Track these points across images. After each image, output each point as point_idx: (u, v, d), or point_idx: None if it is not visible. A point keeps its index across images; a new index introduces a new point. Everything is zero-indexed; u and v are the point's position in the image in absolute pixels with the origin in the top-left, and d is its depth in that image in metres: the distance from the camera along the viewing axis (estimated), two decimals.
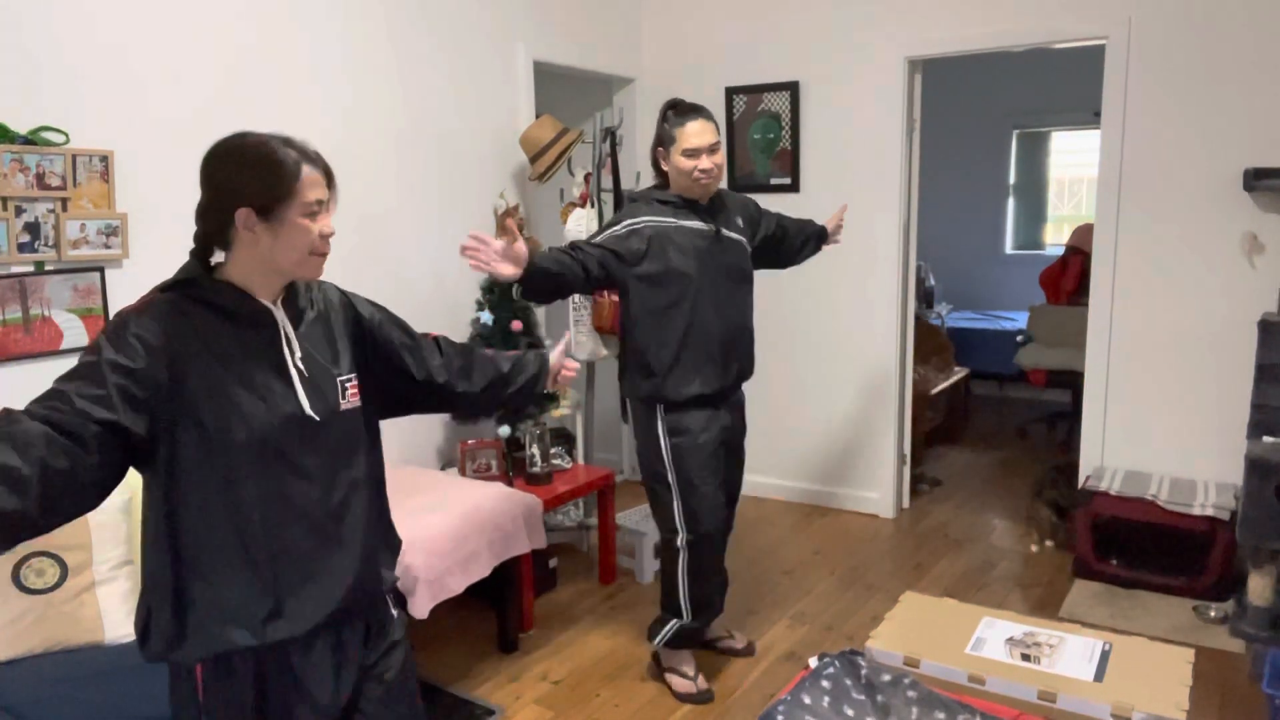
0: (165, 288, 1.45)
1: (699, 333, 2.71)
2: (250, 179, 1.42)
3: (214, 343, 1.43)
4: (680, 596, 2.81)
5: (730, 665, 3.08)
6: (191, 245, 1.48)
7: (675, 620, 2.83)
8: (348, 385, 1.58)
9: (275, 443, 1.45)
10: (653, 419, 2.76)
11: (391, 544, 1.71)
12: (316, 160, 1.48)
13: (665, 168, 2.76)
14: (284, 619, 1.47)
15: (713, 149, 2.70)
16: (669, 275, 2.68)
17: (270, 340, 1.49)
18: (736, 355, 2.82)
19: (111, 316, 1.44)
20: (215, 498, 1.42)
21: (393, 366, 1.70)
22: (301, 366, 1.50)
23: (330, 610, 1.52)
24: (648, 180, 4.52)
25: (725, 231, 2.80)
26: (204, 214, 1.46)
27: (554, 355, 1.99)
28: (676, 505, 2.77)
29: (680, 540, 2.79)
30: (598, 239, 2.70)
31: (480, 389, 1.83)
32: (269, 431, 1.44)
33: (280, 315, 1.51)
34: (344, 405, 1.56)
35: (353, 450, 1.58)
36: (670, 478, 2.76)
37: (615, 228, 2.71)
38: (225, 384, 1.42)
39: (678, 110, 2.75)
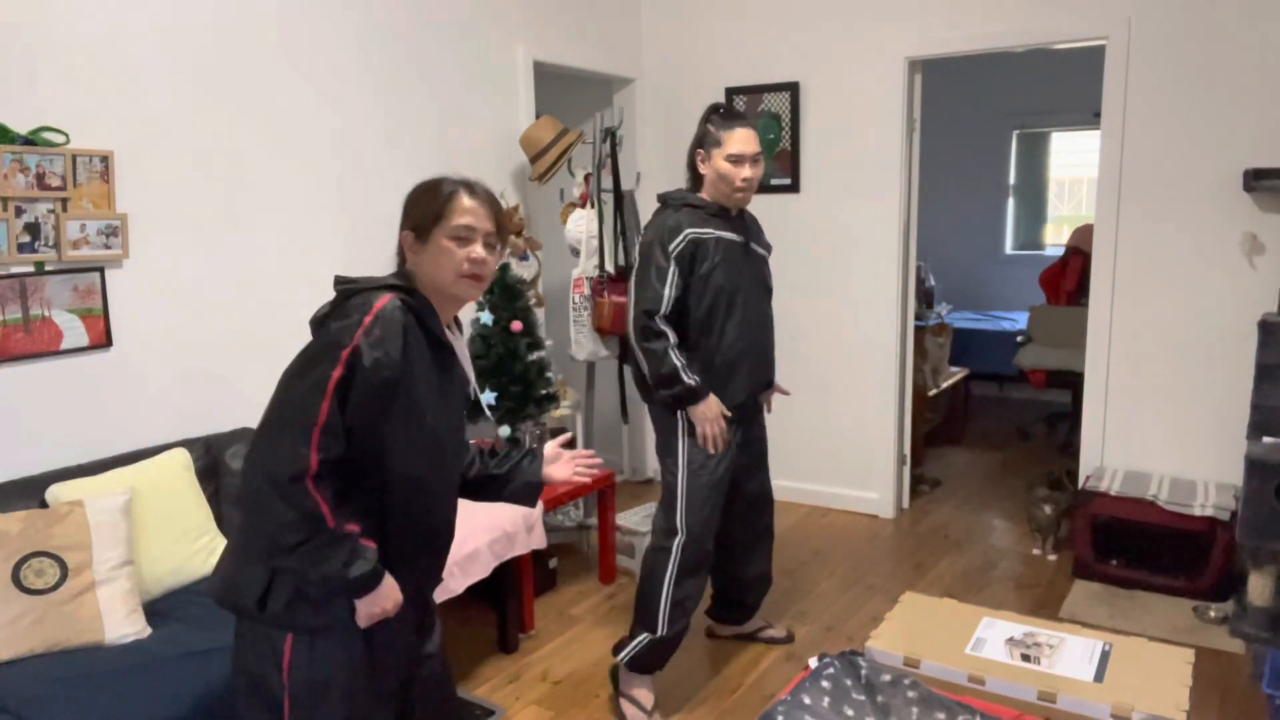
0: (388, 287, 1.57)
1: (730, 344, 2.71)
2: (413, 206, 1.64)
3: (422, 352, 1.59)
4: (661, 605, 2.73)
5: (730, 665, 3.08)
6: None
7: (646, 634, 2.74)
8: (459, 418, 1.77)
9: (438, 460, 1.65)
10: (673, 423, 2.74)
11: None
12: (480, 194, 1.64)
13: (703, 170, 2.72)
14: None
15: (755, 159, 2.68)
16: (707, 287, 2.67)
17: (446, 364, 1.66)
18: (761, 367, 2.83)
19: (361, 311, 1.54)
20: (381, 498, 1.58)
21: None
22: (475, 393, 1.73)
23: (413, 593, 1.69)
24: (648, 180, 4.55)
25: (753, 245, 2.82)
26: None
27: (549, 445, 2.01)
28: (680, 507, 2.75)
29: (676, 542, 2.74)
30: (667, 288, 2.62)
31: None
32: (438, 448, 1.64)
33: (456, 342, 1.70)
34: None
35: (458, 476, 1.80)
36: (681, 479, 2.74)
37: (670, 259, 2.62)
38: (422, 395, 1.58)
39: (725, 115, 2.72)
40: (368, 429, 1.53)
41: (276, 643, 1.57)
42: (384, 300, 1.54)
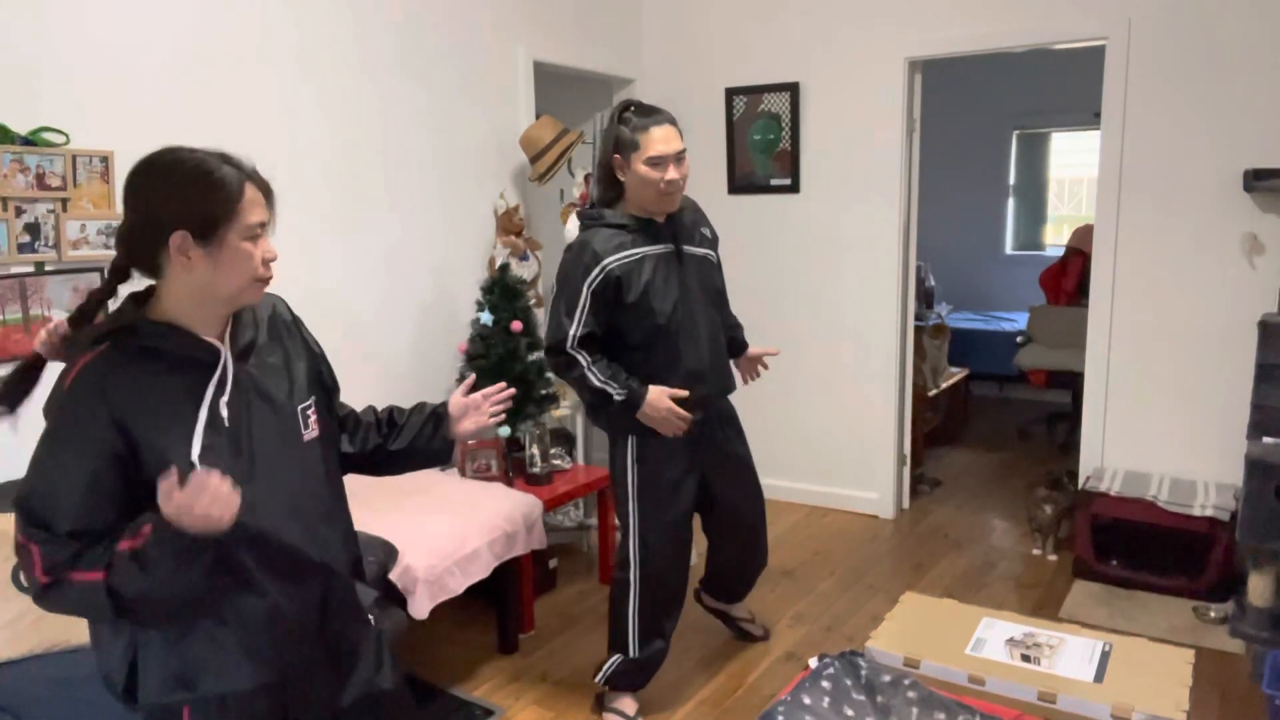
0: (98, 339, 1.32)
1: (669, 365, 2.56)
2: (186, 199, 1.30)
3: (161, 399, 1.32)
4: (629, 629, 2.67)
5: (730, 665, 3.08)
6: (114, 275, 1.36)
7: (619, 655, 2.70)
8: (309, 413, 1.49)
9: (259, 486, 1.38)
10: (622, 448, 2.64)
11: (364, 565, 1.67)
12: (257, 179, 1.37)
13: (622, 177, 2.50)
14: (265, 663, 1.41)
15: (679, 158, 2.46)
16: (639, 313, 2.50)
17: (225, 379, 1.39)
18: (709, 377, 2.65)
19: (50, 396, 1.33)
20: (217, 546, 1.33)
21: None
22: (225, 414, 1.37)
23: (308, 648, 1.47)
24: None
25: (687, 249, 2.61)
26: (129, 238, 1.33)
27: (454, 399, 1.73)
28: (633, 539, 2.65)
29: (632, 575, 2.65)
30: (575, 324, 2.47)
31: (371, 448, 1.69)
32: (247, 474, 1.36)
33: (226, 355, 1.38)
34: (305, 436, 1.48)
35: (318, 482, 1.51)
36: (631, 507, 2.64)
37: (583, 291, 2.47)
38: (177, 443, 1.31)
39: (639, 111, 2.49)
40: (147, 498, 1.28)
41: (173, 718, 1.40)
42: (76, 369, 1.30)
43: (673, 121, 2.50)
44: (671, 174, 2.46)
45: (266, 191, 1.38)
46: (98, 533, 1.29)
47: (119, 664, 1.39)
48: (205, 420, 1.35)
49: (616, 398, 2.48)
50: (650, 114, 2.49)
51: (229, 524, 1.27)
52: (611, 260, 2.48)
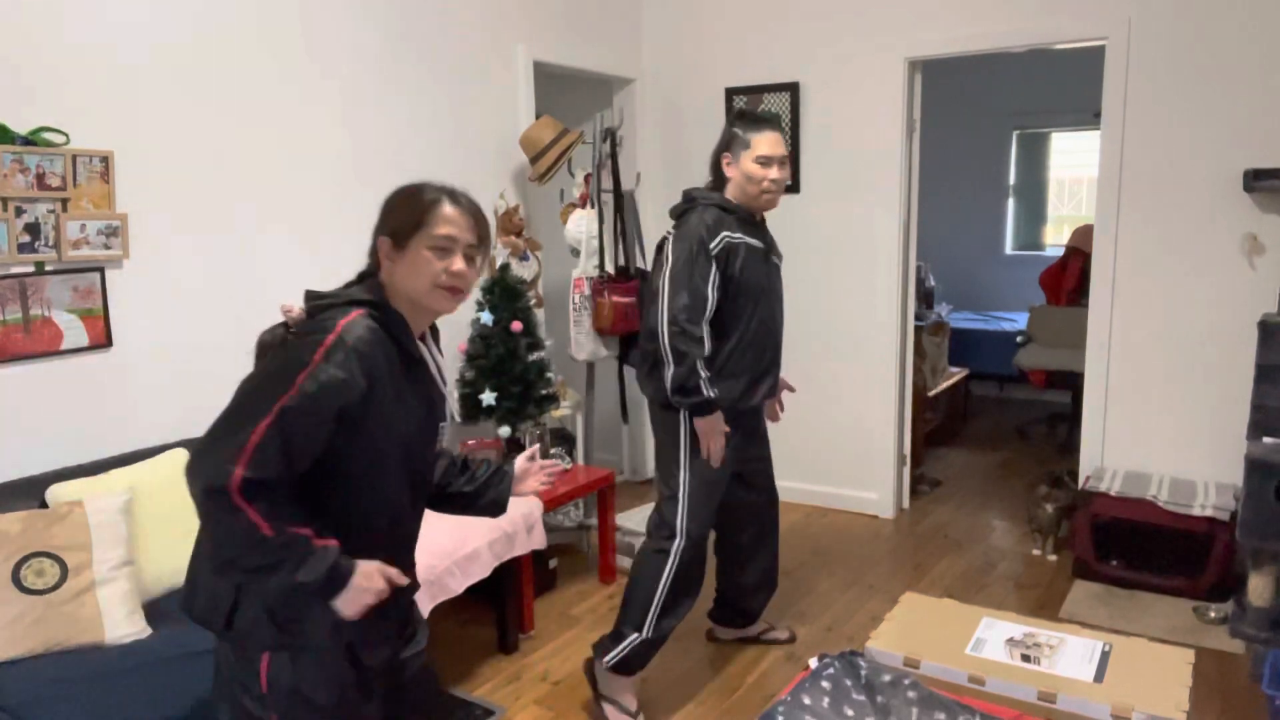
0: (356, 302, 1.51)
1: (748, 349, 2.70)
2: (392, 211, 1.58)
3: (393, 369, 1.52)
4: (653, 606, 2.69)
5: (730, 665, 3.08)
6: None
7: (635, 635, 2.69)
8: (443, 430, 1.73)
9: (407, 477, 1.60)
10: (676, 422, 2.71)
11: None
12: (462, 202, 1.57)
13: (730, 173, 2.72)
14: (352, 625, 1.53)
15: (783, 161, 2.69)
16: (735, 291, 2.66)
17: (419, 375, 1.61)
18: (771, 374, 2.82)
19: (323, 331, 1.47)
20: (346, 515, 1.52)
21: None
22: (450, 410, 1.66)
23: (399, 612, 1.66)
24: (648, 180, 4.55)
25: (772, 255, 2.82)
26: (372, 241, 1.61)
27: (519, 461, 1.95)
28: (682, 508, 2.72)
29: (676, 546, 2.71)
30: (710, 289, 2.59)
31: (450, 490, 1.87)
32: (407, 465, 1.59)
33: (428, 355, 1.63)
34: (436, 448, 1.73)
35: (427, 487, 1.75)
36: (683, 476, 2.72)
37: (699, 254, 2.59)
38: (390, 414, 1.51)
39: (752, 118, 2.75)
40: (329, 450, 1.46)
41: (253, 659, 1.50)
42: (349, 318, 1.48)
43: (782, 131, 2.76)
44: (775, 173, 2.68)
45: (473, 216, 1.58)
46: (276, 463, 1.40)
47: (225, 596, 1.50)
48: (448, 413, 1.66)
49: (707, 395, 2.59)
50: (762, 120, 2.74)
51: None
52: (724, 233, 2.66)
